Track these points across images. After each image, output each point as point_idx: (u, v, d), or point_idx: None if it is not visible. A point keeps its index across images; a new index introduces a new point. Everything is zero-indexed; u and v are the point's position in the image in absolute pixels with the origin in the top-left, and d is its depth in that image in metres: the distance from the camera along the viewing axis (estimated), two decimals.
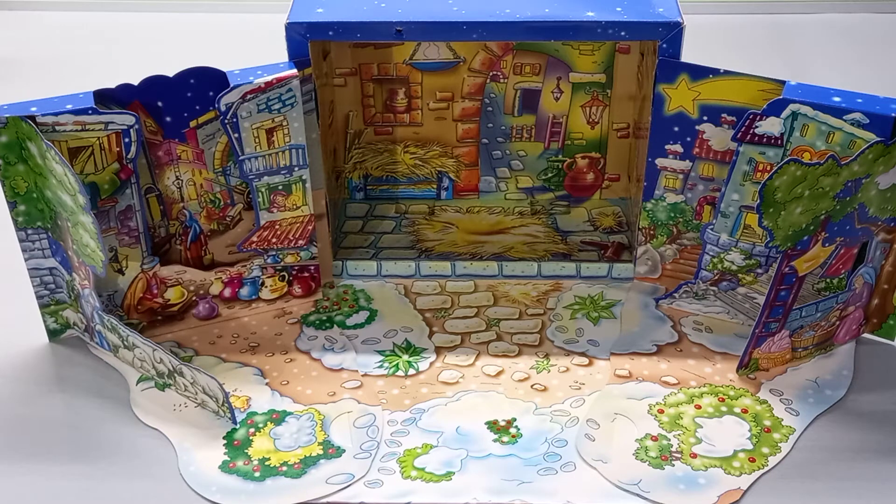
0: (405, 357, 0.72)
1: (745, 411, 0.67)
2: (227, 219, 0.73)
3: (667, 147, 0.71)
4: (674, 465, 0.63)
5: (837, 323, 0.69)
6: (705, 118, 0.69)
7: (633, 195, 0.80)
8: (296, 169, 0.71)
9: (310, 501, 0.61)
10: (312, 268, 0.76)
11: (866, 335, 0.73)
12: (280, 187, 0.72)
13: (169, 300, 0.73)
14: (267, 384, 0.70)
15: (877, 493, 0.61)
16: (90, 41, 1.14)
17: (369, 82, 0.82)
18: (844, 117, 0.64)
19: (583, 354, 0.72)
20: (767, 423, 0.66)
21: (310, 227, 0.74)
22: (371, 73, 0.82)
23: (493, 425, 0.66)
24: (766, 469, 0.63)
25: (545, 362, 0.71)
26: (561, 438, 0.65)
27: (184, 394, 0.68)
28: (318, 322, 0.75)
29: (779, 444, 0.64)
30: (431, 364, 0.71)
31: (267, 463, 0.63)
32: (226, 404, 0.65)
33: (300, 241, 0.74)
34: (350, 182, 0.86)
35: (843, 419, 0.66)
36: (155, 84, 0.66)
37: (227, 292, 0.75)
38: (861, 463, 0.63)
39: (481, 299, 0.77)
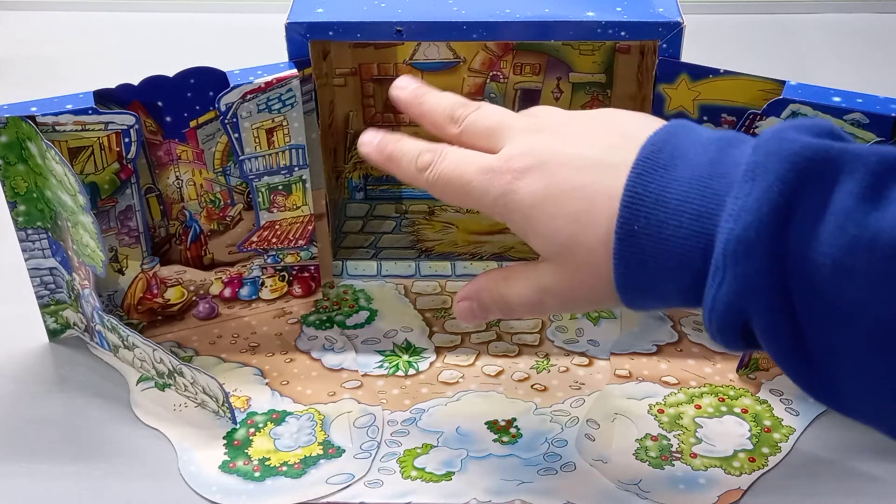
0: (405, 357, 0.72)
1: (745, 411, 0.67)
2: (227, 219, 0.73)
3: None
4: (674, 465, 0.63)
5: None
6: (705, 118, 0.69)
7: None
8: (296, 169, 0.71)
9: (310, 501, 0.61)
10: (312, 268, 0.76)
11: None
12: (280, 187, 0.72)
13: (169, 300, 0.73)
14: (267, 384, 0.70)
15: (877, 493, 0.61)
16: (90, 41, 1.14)
17: (369, 82, 0.82)
18: (844, 117, 0.64)
19: (583, 354, 0.72)
20: (767, 423, 0.66)
21: (310, 227, 0.74)
22: (371, 73, 0.82)
23: (493, 425, 0.66)
24: (766, 469, 0.63)
25: (545, 362, 0.71)
26: (561, 438, 0.65)
27: (184, 394, 0.68)
28: (318, 322, 0.75)
29: (779, 444, 0.64)
30: (431, 364, 0.71)
31: (267, 463, 0.63)
32: (226, 404, 0.65)
33: (300, 241, 0.74)
34: (350, 182, 0.86)
35: (843, 419, 0.66)
36: (155, 84, 0.66)
37: (227, 292, 0.75)
38: (861, 463, 0.63)
39: None
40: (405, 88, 0.59)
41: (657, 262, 0.48)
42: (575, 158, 0.51)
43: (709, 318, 0.47)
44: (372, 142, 0.58)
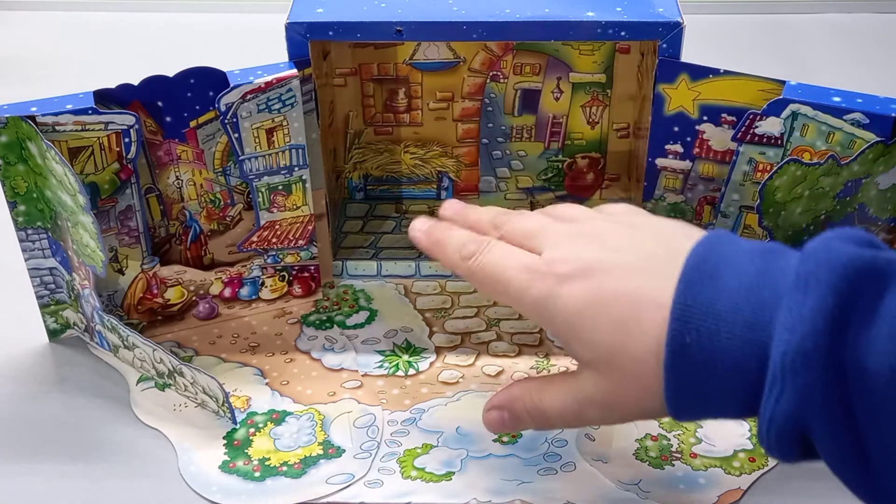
0: (405, 357, 0.72)
1: None
2: (227, 219, 0.73)
3: (667, 147, 0.71)
4: (674, 465, 0.63)
5: None
6: (705, 118, 0.69)
7: (634, 195, 0.80)
8: (296, 169, 0.71)
9: (310, 501, 0.61)
10: (312, 268, 0.76)
11: None
12: (280, 187, 0.72)
13: (169, 300, 0.73)
14: (267, 384, 0.70)
15: None
16: (90, 41, 1.14)
17: (369, 82, 0.82)
18: (844, 117, 0.64)
19: None
20: None
21: (310, 227, 0.74)
22: (371, 73, 0.82)
23: None
24: (766, 469, 0.63)
25: (545, 362, 0.71)
26: (561, 438, 0.65)
27: (184, 394, 0.68)
28: (318, 322, 0.75)
29: None
30: (431, 364, 0.71)
31: (267, 463, 0.63)
32: (226, 404, 0.65)
33: (300, 241, 0.74)
34: (350, 182, 0.86)
35: None
36: (155, 84, 0.66)
37: (227, 292, 0.75)
38: None
39: (481, 299, 0.77)
40: (446, 210, 0.61)
41: (710, 373, 0.47)
42: (619, 266, 0.51)
43: (767, 430, 0.46)
44: (422, 228, 0.60)
